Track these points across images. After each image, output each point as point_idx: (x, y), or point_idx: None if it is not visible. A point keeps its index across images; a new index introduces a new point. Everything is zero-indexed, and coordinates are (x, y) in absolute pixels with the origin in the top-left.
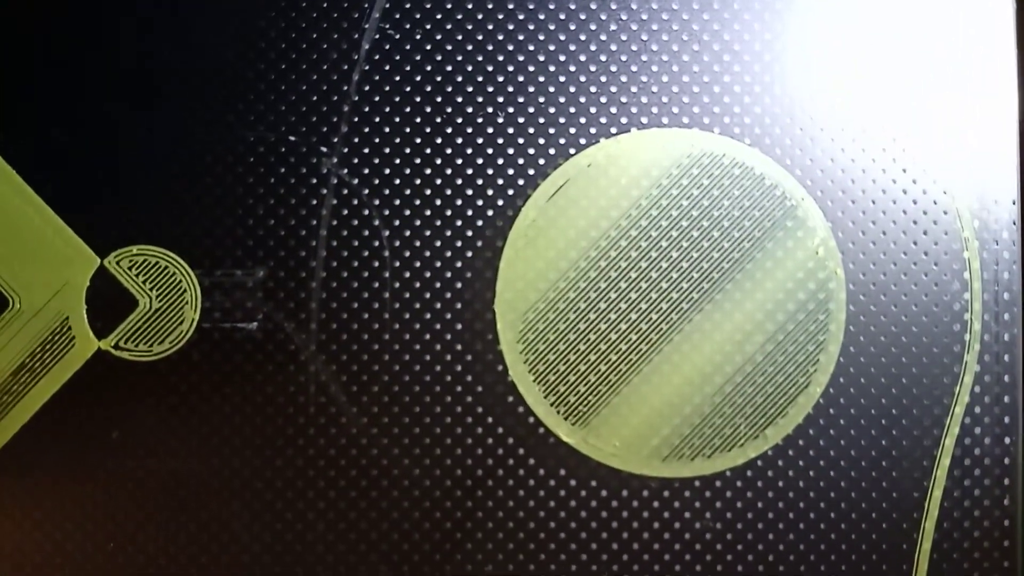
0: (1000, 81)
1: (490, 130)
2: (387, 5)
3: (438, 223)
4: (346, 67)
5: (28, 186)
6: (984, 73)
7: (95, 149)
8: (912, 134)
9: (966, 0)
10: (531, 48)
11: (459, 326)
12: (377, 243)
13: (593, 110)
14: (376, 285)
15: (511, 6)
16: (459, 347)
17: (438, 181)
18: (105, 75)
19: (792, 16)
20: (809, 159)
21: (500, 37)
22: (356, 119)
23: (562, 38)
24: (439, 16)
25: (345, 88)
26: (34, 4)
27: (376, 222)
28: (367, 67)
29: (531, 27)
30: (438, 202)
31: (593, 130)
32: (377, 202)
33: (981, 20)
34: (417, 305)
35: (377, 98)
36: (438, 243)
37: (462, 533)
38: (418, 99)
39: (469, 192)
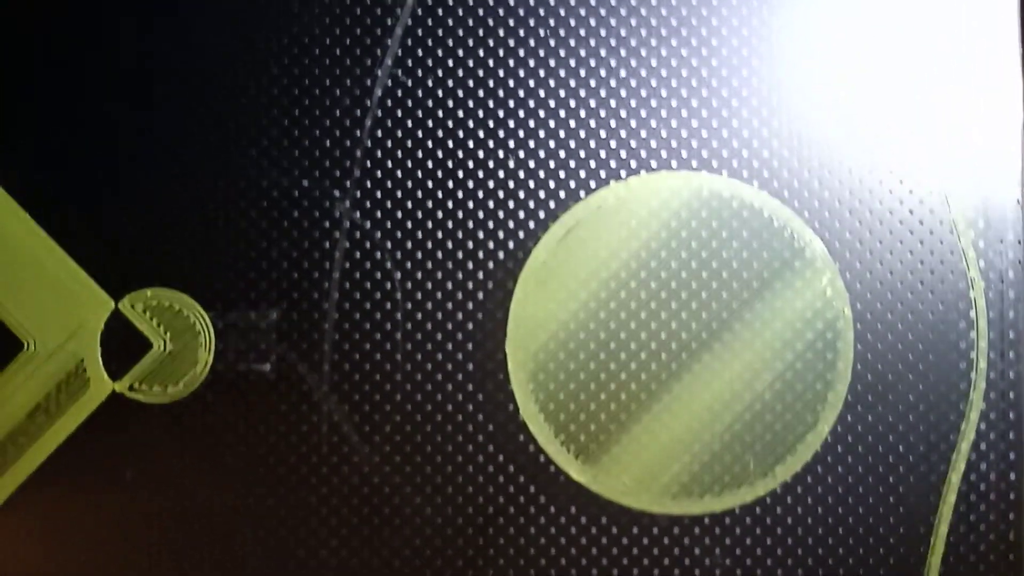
0: (1009, 125)
1: (501, 173)
2: (399, 52)
3: (450, 265)
4: (359, 112)
5: (41, 228)
6: (994, 115)
7: (105, 190)
8: (918, 175)
9: (974, 47)
10: (541, 93)
11: (471, 366)
12: (389, 285)
13: (603, 153)
14: (388, 326)
15: (521, 53)
16: (470, 387)
17: (450, 224)
18: (110, 118)
19: (799, 60)
20: (816, 201)
21: (511, 83)
22: (369, 163)
23: (572, 83)
24: (450, 62)
25: (358, 133)
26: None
27: (388, 264)
28: (379, 112)
29: (541, 72)
30: (450, 245)
31: (603, 173)
32: (389, 245)
33: (989, 60)
34: (429, 346)
35: (389, 143)
36: (449, 285)
37: (474, 571)
38: (430, 144)
39: (480, 235)
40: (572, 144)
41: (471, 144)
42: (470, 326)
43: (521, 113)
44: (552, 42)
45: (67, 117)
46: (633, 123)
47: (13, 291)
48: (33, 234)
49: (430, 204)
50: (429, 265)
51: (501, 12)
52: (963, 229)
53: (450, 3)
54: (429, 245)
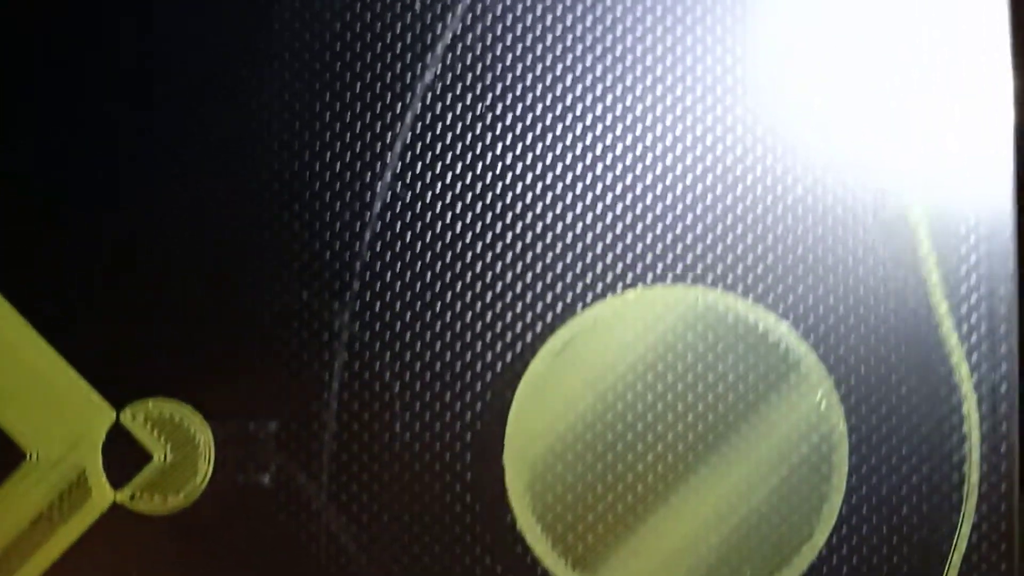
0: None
1: (499, 286)
2: (398, 167)
3: (448, 377)
4: (358, 226)
5: (43, 338)
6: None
7: (108, 301)
8: (914, 295)
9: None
10: (538, 209)
11: (469, 476)
12: (387, 397)
13: (599, 267)
14: (386, 438)
15: (519, 169)
16: (468, 498)
17: (448, 336)
18: (114, 229)
19: (796, 174)
20: (812, 315)
21: (508, 197)
22: (367, 277)
23: (568, 199)
24: (448, 178)
25: (357, 247)
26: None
27: (387, 376)
28: (378, 226)
29: (538, 188)
30: (448, 357)
31: (599, 287)
32: (388, 357)
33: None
34: (427, 457)
35: (388, 256)
36: (448, 396)
37: None
38: (428, 257)
39: (478, 347)
40: (569, 258)
41: (469, 257)
42: (468, 438)
43: (518, 227)
44: (548, 158)
45: (66, 231)
46: (629, 237)
47: (15, 401)
48: (34, 344)
49: (428, 317)
50: (427, 377)
51: (498, 130)
52: (954, 344)
53: (448, 121)
54: (427, 357)
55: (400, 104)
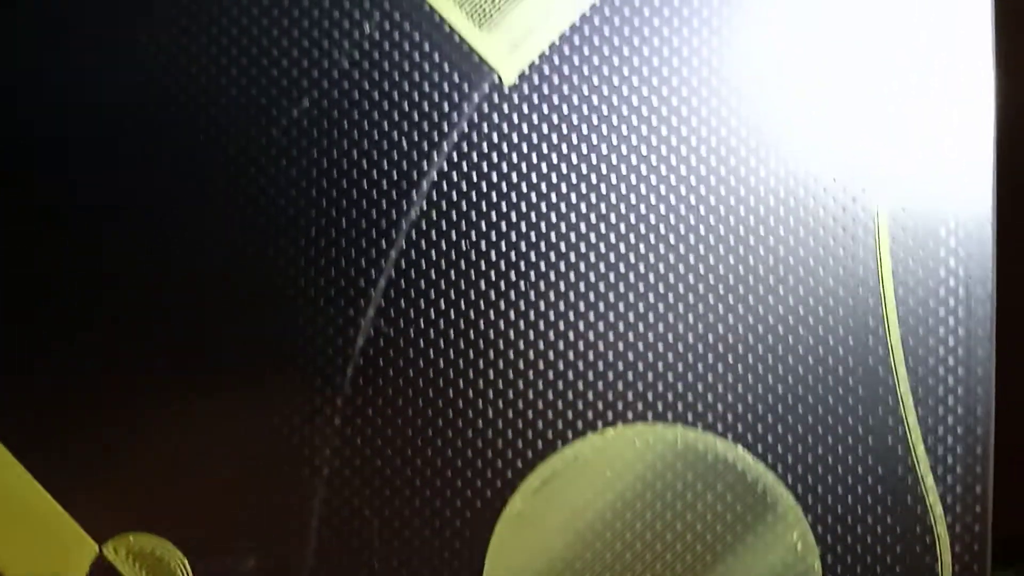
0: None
1: (480, 423)
2: (382, 303)
3: (427, 513)
4: (340, 361)
5: (29, 473)
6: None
7: (93, 441)
8: (888, 431)
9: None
10: (521, 345)
11: None
12: (367, 532)
13: (580, 405)
14: (365, 574)
15: (502, 305)
16: None
17: (428, 472)
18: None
19: (777, 315)
20: (790, 456)
21: (491, 333)
22: (349, 412)
23: (551, 336)
24: (432, 313)
25: (339, 380)
26: None
27: (367, 512)
28: (362, 360)
29: (521, 324)
30: (427, 493)
31: (580, 424)
32: (368, 493)
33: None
34: None
35: (370, 391)
36: (427, 533)
37: None
38: (410, 393)
39: (458, 483)
40: (550, 395)
41: (451, 393)
42: (446, 574)
43: (500, 363)
44: (532, 295)
45: (61, 377)
46: (610, 375)
47: (2, 534)
48: (21, 479)
49: (409, 452)
50: (407, 513)
51: (482, 266)
52: (930, 485)
53: (432, 257)
54: (407, 493)
55: (385, 240)
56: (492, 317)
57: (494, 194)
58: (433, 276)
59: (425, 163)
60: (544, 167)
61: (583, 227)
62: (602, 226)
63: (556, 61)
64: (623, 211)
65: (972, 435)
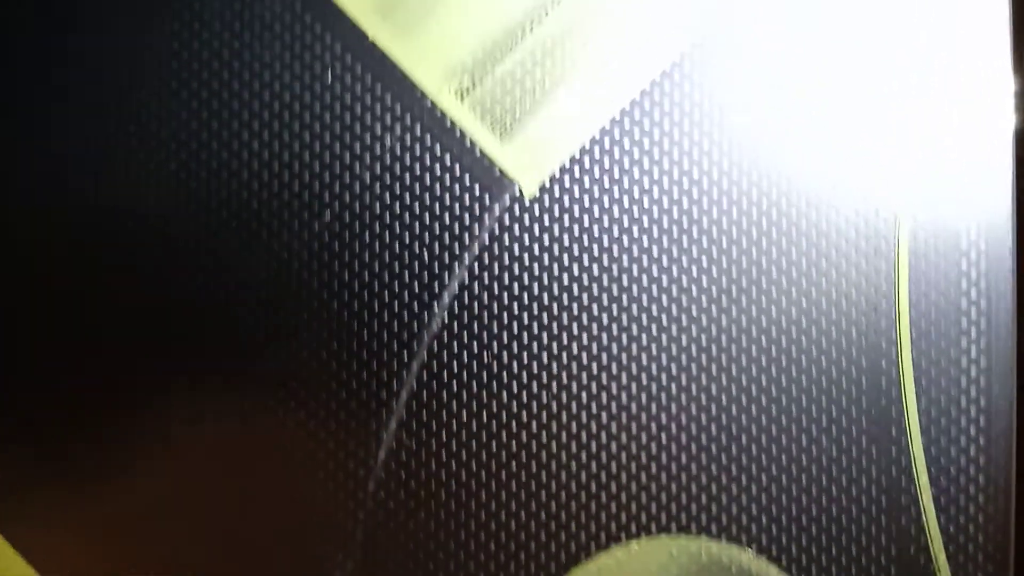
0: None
1: (502, 535)
2: (404, 416)
3: None
4: (362, 472)
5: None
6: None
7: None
8: (913, 545)
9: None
10: (543, 458)
11: None
12: None
13: (603, 517)
14: None
15: (524, 417)
16: None
17: None
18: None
19: (802, 424)
20: (814, 568)
21: (513, 447)
22: (371, 526)
23: (573, 447)
24: (454, 426)
25: (361, 494)
26: None
27: None
28: (383, 474)
29: (543, 437)
30: None
31: (603, 537)
32: None
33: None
34: None
35: (392, 504)
36: None
37: None
38: (432, 505)
39: None
40: (573, 507)
41: (473, 506)
42: None
43: (523, 476)
44: (553, 406)
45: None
46: (633, 487)
47: None
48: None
49: (431, 566)
50: None
51: (504, 378)
52: None
53: (454, 370)
54: None
55: (407, 352)
56: (514, 429)
57: (515, 305)
58: (455, 388)
59: (447, 275)
60: (565, 278)
61: (604, 338)
62: (623, 337)
63: (576, 173)
64: (644, 323)
65: (992, 544)
